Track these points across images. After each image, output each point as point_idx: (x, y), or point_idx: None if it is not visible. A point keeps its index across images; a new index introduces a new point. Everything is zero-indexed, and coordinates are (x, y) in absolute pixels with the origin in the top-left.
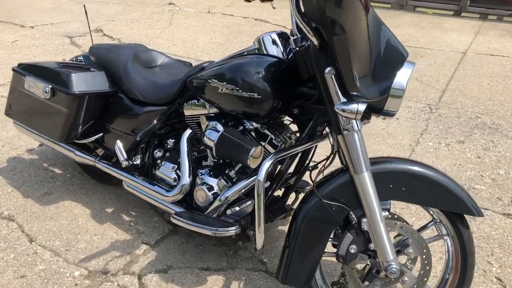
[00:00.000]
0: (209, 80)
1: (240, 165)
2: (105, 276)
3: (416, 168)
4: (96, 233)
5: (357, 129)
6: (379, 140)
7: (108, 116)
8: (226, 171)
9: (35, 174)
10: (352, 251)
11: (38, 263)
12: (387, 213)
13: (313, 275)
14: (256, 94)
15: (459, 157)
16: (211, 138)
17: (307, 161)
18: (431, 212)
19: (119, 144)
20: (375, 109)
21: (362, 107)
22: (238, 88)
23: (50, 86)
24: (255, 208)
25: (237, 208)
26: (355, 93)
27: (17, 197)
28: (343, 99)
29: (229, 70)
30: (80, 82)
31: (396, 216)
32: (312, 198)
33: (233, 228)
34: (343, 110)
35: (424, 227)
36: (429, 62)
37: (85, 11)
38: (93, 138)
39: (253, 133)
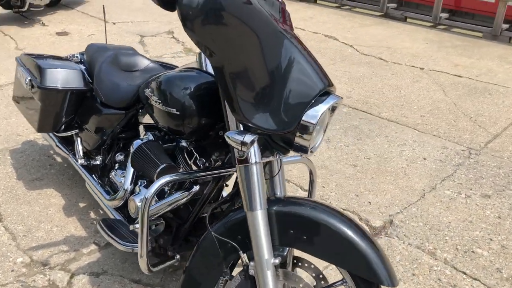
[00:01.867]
0: (145, 90)
1: None
2: (42, 268)
3: (325, 217)
4: (58, 225)
5: (254, 161)
6: (390, 179)
7: (80, 114)
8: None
9: (38, 159)
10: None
11: None
12: (277, 261)
13: None
14: (175, 110)
15: (474, 213)
16: (133, 147)
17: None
18: (341, 270)
19: (78, 141)
20: (287, 143)
21: (249, 138)
22: (161, 102)
23: (29, 78)
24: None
25: (153, 227)
26: (244, 122)
27: (11, 178)
28: (238, 127)
29: (160, 82)
30: (53, 78)
31: (299, 266)
32: (208, 233)
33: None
34: (229, 139)
35: (330, 286)
36: (495, 102)
37: (104, 12)
38: (69, 133)
39: (185, 151)
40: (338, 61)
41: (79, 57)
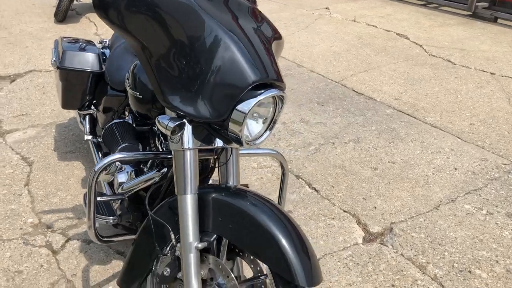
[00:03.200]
0: (126, 74)
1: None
2: (45, 230)
3: (256, 211)
4: (73, 194)
5: (187, 147)
6: (408, 186)
7: (96, 94)
8: (141, 164)
9: (77, 134)
10: (166, 273)
11: (14, 203)
12: (199, 245)
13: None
14: (138, 93)
15: (488, 232)
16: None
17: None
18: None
19: (87, 119)
20: (224, 133)
21: (173, 123)
22: (129, 85)
23: (54, 58)
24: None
25: (120, 202)
26: (168, 107)
27: (49, 148)
28: (168, 113)
29: (134, 67)
30: (70, 59)
31: (243, 257)
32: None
33: (110, 217)
34: (159, 123)
35: (252, 279)
36: None
37: None
38: (90, 111)
39: (156, 134)
40: (400, 61)
41: (106, 42)
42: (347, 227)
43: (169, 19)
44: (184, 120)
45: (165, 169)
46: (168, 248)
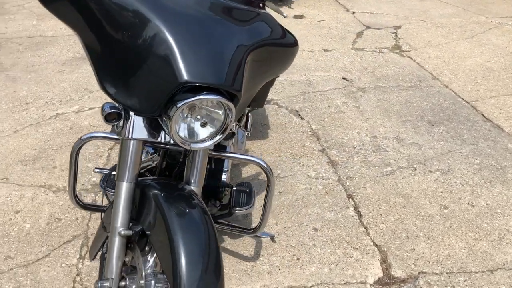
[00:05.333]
0: None
1: None
2: (97, 190)
3: (176, 212)
4: None
5: (127, 136)
6: (472, 236)
7: None
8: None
9: None
10: (105, 251)
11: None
12: (123, 232)
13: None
14: None
15: None
16: None
17: None
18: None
19: None
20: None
21: (108, 110)
22: None
23: None
24: None
25: None
26: (105, 92)
27: None
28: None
29: None
30: None
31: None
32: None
33: (112, 190)
34: (102, 108)
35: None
36: None
37: None
38: None
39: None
40: None
41: None
42: (366, 262)
43: (102, 10)
44: (121, 109)
45: (156, 155)
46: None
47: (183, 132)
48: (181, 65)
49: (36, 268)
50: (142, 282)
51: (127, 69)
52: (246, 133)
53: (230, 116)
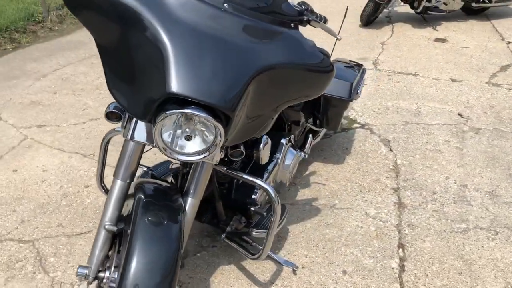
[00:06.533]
0: None
1: None
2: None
3: (151, 221)
4: None
5: (126, 137)
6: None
7: None
8: None
9: None
10: None
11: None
12: (109, 226)
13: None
14: None
15: None
16: None
17: None
18: None
19: None
20: None
21: (110, 108)
22: None
23: None
24: None
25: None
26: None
27: None
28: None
29: None
30: None
31: None
32: None
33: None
34: (108, 107)
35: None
36: None
37: (345, 13)
38: None
39: None
40: None
41: None
42: None
43: (113, 18)
44: (124, 111)
45: None
46: None
47: (168, 141)
48: (172, 76)
49: (75, 241)
50: (114, 277)
51: (129, 73)
52: (303, 154)
53: (220, 136)
